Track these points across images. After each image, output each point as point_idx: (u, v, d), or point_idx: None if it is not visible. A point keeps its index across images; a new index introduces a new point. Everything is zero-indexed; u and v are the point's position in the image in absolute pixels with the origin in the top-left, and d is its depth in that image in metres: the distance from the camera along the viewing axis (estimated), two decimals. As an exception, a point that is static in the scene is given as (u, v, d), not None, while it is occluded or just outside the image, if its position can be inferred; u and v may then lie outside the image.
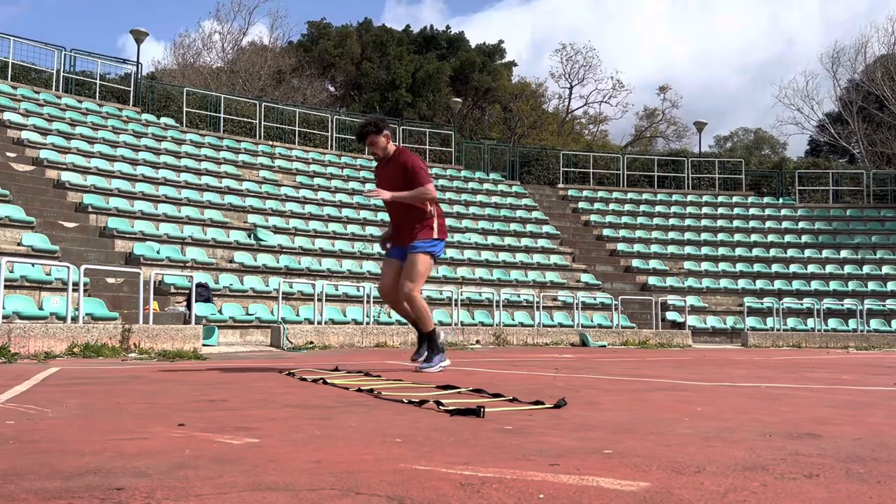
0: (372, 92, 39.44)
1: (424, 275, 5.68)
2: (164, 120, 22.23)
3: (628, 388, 4.58)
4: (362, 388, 4.09)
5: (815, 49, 76.70)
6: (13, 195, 14.60)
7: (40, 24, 67.99)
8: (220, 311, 13.98)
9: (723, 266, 23.81)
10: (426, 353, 5.73)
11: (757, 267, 24.06)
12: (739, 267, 23.88)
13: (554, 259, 22.13)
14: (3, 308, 9.19)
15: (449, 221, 22.54)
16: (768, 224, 26.67)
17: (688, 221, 26.45)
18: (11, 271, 11.19)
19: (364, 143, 5.83)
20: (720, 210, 27.53)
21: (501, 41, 45.66)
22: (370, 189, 5.74)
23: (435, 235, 5.74)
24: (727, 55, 77.71)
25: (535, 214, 24.61)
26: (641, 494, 1.59)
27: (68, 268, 9.83)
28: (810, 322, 20.00)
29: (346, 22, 43.67)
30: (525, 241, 22.63)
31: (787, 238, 25.85)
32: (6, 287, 9.79)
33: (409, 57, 40.91)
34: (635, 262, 23.40)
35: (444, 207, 23.42)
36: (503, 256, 21.42)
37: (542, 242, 22.96)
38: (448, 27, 45.79)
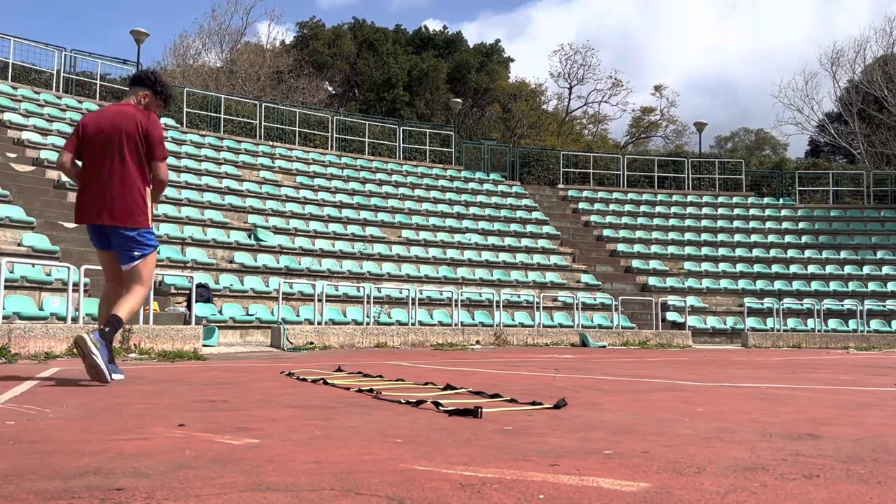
0: (368, 91, 39.44)
1: None
2: (164, 120, 22.22)
3: (628, 388, 4.58)
4: (362, 388, 4.09)
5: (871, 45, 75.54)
6: (13, 195, 14.60)
7: (79, 34, 68.15)
8: (220, 312, 13.97)
9: (723, 266, 23.80)
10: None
11: (757, 267, 24.05)
12: (739, 267, 23.87)
13: (554, 259, 22.13)
14: (4, 308, 9.20)
15: (449, 222, 22.58)
16: (768, 224, 26.66)
17: (688, 222, 26.44)
18: (12, 271, 11.18)
19: None
20: (720, 210, 27.52)
21: (498, 40, 45.67)
22: None
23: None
24: (781, 53, 76.41)
25: (535, 215, 24.60)
26: (641, 495, 1.59)
27: (68, 268, 9.84)
28: (810, 322, 19.98)
29: (340, 21, 43.70)
30: (525, 242, 22.62)
31: (788, 238, 25.84)
32: (6, 287, 9.79)
33: (406, 57, 40.88)
34: (635, 263, 23.40)
35: (444, 208, 23.46)
36: (503, 257, 21.41)
37: (542, 243, 22.95)
38: (445, 27, 45.74)
